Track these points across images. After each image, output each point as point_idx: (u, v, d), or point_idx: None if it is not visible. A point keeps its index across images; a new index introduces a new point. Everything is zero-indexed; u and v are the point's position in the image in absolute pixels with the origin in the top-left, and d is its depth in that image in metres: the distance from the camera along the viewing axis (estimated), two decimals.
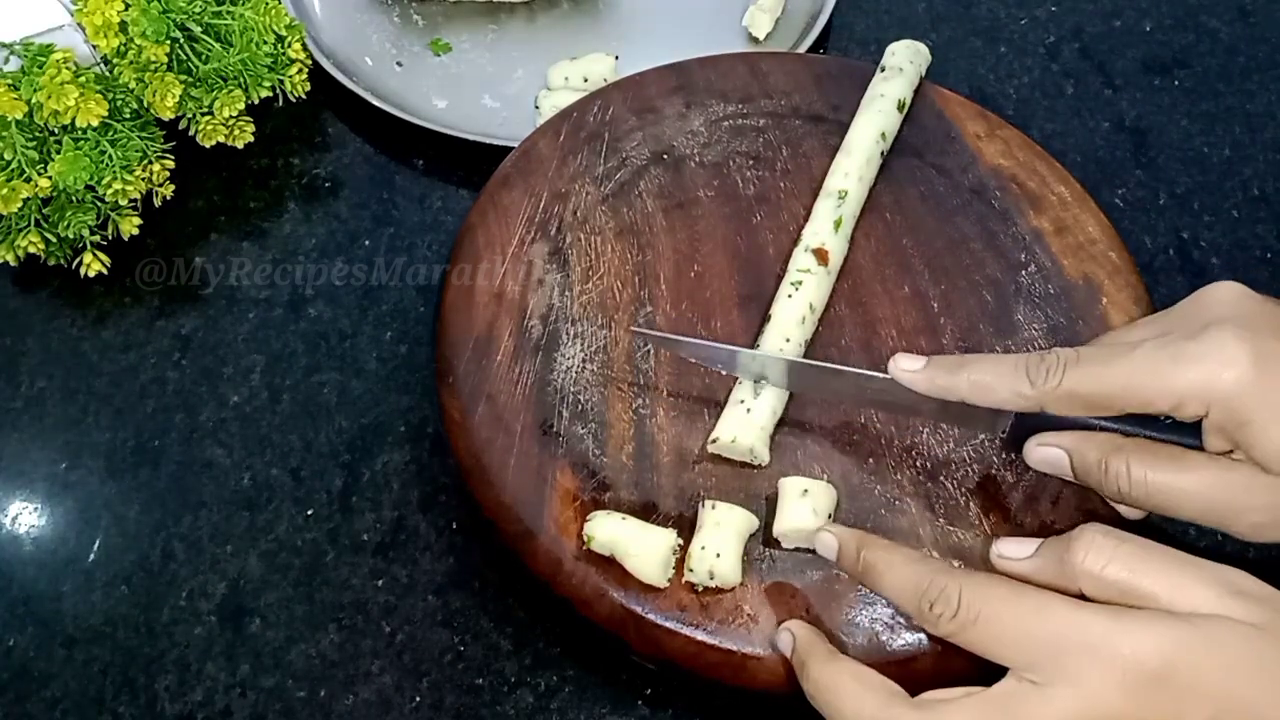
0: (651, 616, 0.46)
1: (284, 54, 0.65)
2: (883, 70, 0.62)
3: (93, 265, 0.60)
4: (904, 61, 0.62)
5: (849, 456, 0.50)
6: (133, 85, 0.60)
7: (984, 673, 0.39)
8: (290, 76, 0.65)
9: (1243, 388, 0.39)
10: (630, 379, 0.52)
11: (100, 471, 0.56)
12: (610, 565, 0.47)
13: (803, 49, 0.70)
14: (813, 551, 0.47)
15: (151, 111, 0.61)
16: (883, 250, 0.57)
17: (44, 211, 0.59)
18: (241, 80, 0.63)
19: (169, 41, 0.60)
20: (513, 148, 0.60)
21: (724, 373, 0.51)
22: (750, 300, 0.55)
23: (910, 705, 0.39)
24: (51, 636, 0.51)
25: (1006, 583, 0.40)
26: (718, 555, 0.46)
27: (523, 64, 0.71)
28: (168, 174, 0.62)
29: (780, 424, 0.51)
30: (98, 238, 0.60)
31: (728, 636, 0.46)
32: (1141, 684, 0.36)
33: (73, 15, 0.59)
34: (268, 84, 0.64)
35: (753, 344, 0.52)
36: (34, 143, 0.58)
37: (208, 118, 0.63)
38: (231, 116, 0.63)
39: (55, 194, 0.59)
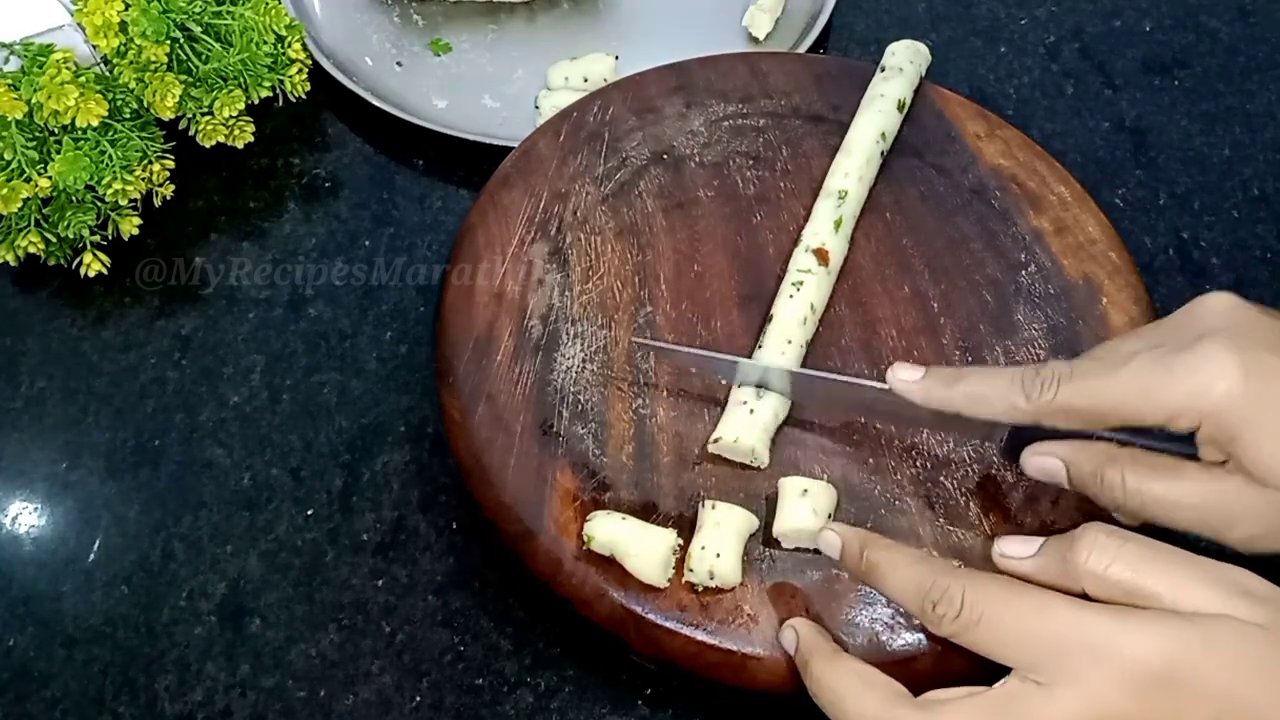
0: (651, 616, 0.46)
1: (284, 54, 0.65)
2: (883, 70, 0.62)
3: (93, 265, 0.60)
4: (904, 61, 0.62)
5: (849, 456, 0.50)
6: (133, 85, 0.60)
7: (984, 673, 0.39)
8: (290, 76, 0.65)
9: (1233, 401, 0.40)
10: (630, 379, 0.52)
11: (100, 471, 0.56)
12: (610, 565, 0.47)
13: (803, 49, 0.70)
14: (812, 551, 0.47)
15: (151, 111, 0.61)
16: (883, 250, 0.57)
17: (44, 211, 0.59)
18: (241, 80, 0.63)
19: (169, 41, 0.60)
20: (513, 148, 0.60)
21: (724, 382, 0.51)
22: (750, 300, 0.55)
23: (913, 705, 0.39)
24: (51, 636, 0.51)
25: (1009, 583, 0.40)
26: (718, 555, 0.46)
27: (523, 64, 0.71)
28: (168, 174, 0.62)
29: (781, 424, 0.51)
30: (98, 238, 0.60)
31: (728, 636, 0.46)
32: (1144, 684, 0.36)
33: (73, 15, 0.59)
34: (268, 84, 0.64)
35: (754, 344, 0.52)
36: (34, 143, 0.58)
37: (208, 118, 0.63)
38: (231, 116, 0.63)
39: (55, 194, 0.59)
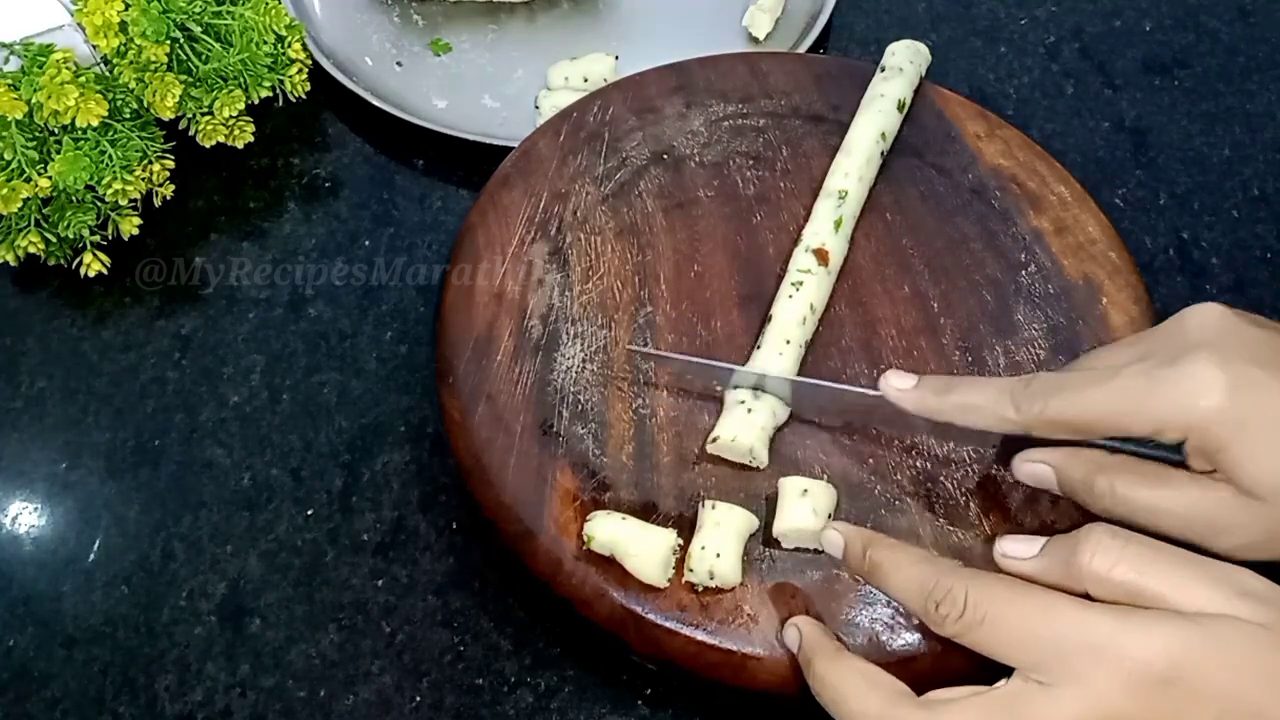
0: (651, 616, 0.46)
1: (284, 54, 0.65)
2: (883, 70, 0.62)
3: (93, 265, 0.60)
4: (904, 61, 0.62)
5: (849, 456, 0.50)
6: (133, 85, 0.60)
7: (984, 674, 0.39)
8: (290, 76, 0.65)
9: (1219, 415, 0.40)
10: (630, 379, 0.52)
11: (100, 471, 0.56)
12: (610, 565, 0.47)
13: (803, 49, 0.70)
14: (812, 551, 0.47)
15: (151, 111, 0.61)
16: (883, 250, 0.57)
17: (44, 211, 0.59)
18: (241, 80, 0.63)
19: (169, 41, 0.60)
20: (513, 148, 0.60)
21: (719, 389, 0.51)
22: (750, 300, 0.55)
23: (915, 704, 0.39)
24: (51, 636, 0.51)
25: (1012, 583, 0.40)
26: (718, 555, 0.46)
27: (523, 64, 0.71)
28: (168, 174, 0.62)
29: (780, 425, 0.51)
30: (98, 238, 0.60)
31: (728, 636, 0.46)
32: (1147, 685, 0.36)
33: (73, 15, 0.59)
34: (268, 84, 0.64)
35: (754, 344, 0.52)
36: (34, 143, 0.58)
37: (208, 118, 0.63)
38: (231, 116, 0.63)
39: (55, 194, 0.59)
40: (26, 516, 0.55)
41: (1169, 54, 0.75)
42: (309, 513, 0.55)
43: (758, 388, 0.50)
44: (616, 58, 0.67)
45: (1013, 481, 0.49)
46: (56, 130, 0.58)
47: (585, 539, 0.47)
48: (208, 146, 0.64)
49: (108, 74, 0.61)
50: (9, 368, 0.59)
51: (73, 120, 0.56)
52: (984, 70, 0.73)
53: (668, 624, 0.46)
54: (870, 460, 0.50)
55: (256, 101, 0.64)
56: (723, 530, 0.46)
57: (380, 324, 0.61)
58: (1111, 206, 0.64)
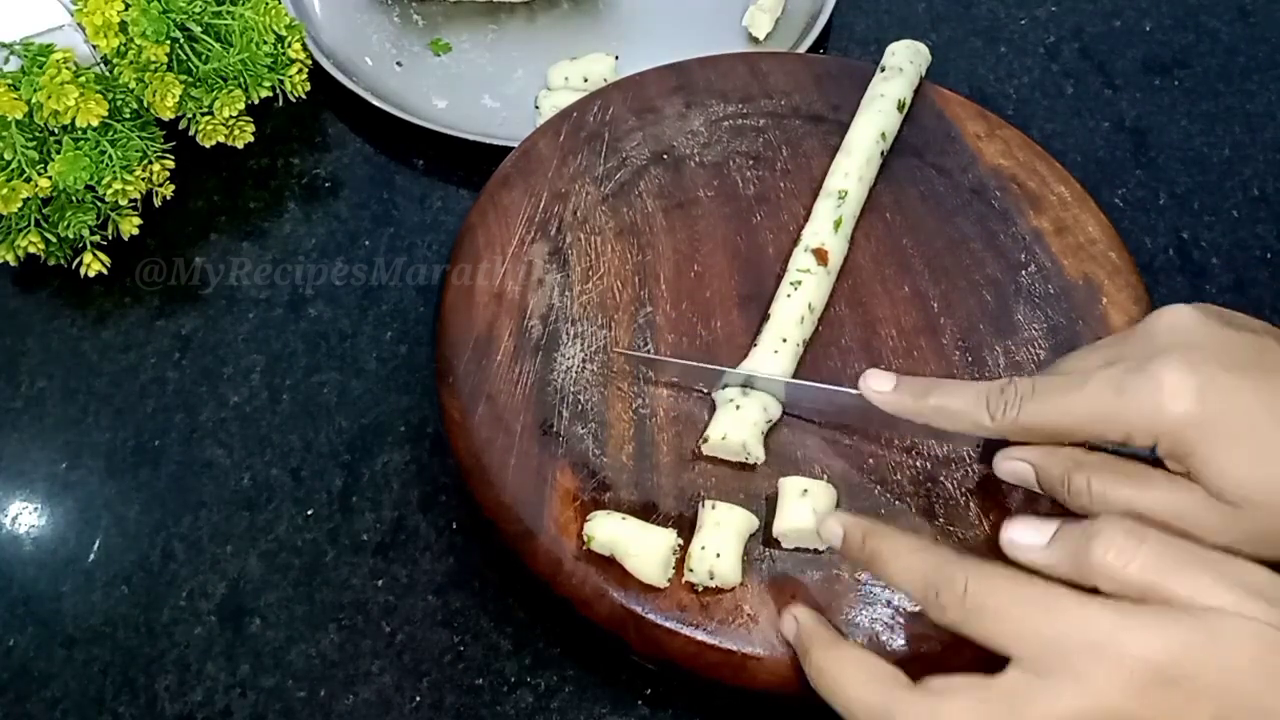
0: (651, 616, 0.46)
1: (284, 54, 0.65)
2: (883, 70, 0.62)
3: (93, 265, 0.60)
4: (904, 61, 0.62)
5: (848, 456, 0.50)
6: (133, 85, 0.60)
7: (985, 671, 0.39)
8: (290, 76, 0.65)
9: (1187, 421, 0.40)
10: (630, 379, 0.52)
11: (100, 471, 0.56)
12: (610, 565, 0.47)
13: (803, 49, 0.70)
14: (813, 551, 0.47)
15: (151, 111, 0.61)
16: (883, 250, 0.57)
17: (44, 211, 0.59)
18: (241, 80, 0.63)
19: (169, 41, 0.60)
20: (513, 148, 0.60)
21: (708, 391, 0.51)
22: (750, 300, 0.55)
23: (913, 691, 0.39)
24: (51, 636, 0.51)
25: (1014, 574, 0.39)
26: (718, 555, 0.46)
27: (523, 64, 0.71)
28: (168, 174, 0.62)
29: (779, 423, 0.51)
30: (98, 238, 0.60)
31: (728, 636, 0.46)
32: (1148, 683, 0.36)
33: (73, 15, 0.59)
34: (268, 84, 0.64)
35: (751, 342, 0.52)
36: (34, 143, 0.58)
37: (208, 118, 0.63)
38: (231, 116, 0.63)
39: (55, 194, 0.59)
40: (26, 516, 0.55)
41: (1169, 54, 0.75)
42: (309, 513, 0.55)
43: (747, 385, 0.50)
44: (616, 58, 0.67)
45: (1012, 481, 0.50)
46: (56, 130, 0.58)
47: (585, 539, 0.47)
48: (208, 146, 0.64)
49: (108, 74, 0.61)
50: (9, 368, 0.59)
51: (73, 120, 0.56)
52: (984, 70, 0.73)
53: (668, 624, 0.46)
54: (870, 460, 0.50)
55: (256, 101, 0.64)
56: (723, 530, 0.46)
57: (380, 324, 0.61)
58: (1111, 206, 0.64)
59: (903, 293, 0.56)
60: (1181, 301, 0.45)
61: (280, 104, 0.67)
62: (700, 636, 0.46)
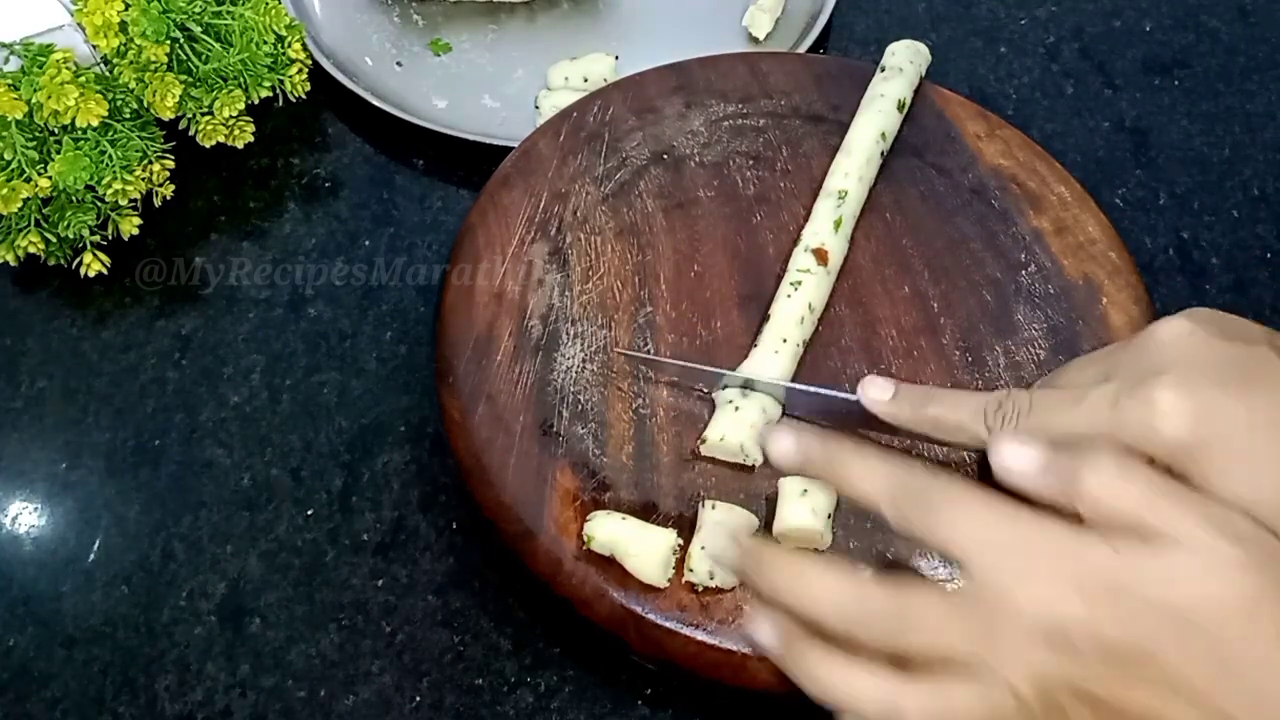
0: (651, 616, 0.46)
1: (284, 54, 0.65)
2: (883, 70, 0.62)
3: (93, 265, 0.60)
4: (904, 61, 0.62)
5: None
6: (133, 85, 0.60)
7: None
8: (290, 76, 0.65)
9: (1180, 443, 0.40)
10: (630, 379, 0.52)
11: (100, 471, 0.56)
12: (610, 565, 0.47)
13: (803, 49, 0.70)
14: (814, 551, 0.47)
15: (151, 111, 0.61)
16: (883, 250, 0.57)
17: (44, 211, 0.59)
18: (241, 80, 0.63)
19: (169, 41, 0.60)
20: (513, 148, 0.60)
21: (707, 391, 0.51)
22: (750, 300, 0.55)
23: (904, 680, 0.38)
24: (51, 636, 0.51)
25: (979, 486, 0.39)
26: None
27: (523, 64, 0.71)
28: (168, 174, 0.62)
29: (772, 420, 0.51)
30: (98, 238, 0.60)
31: (728, 636, 0.46)
32: (1110, 600, 0.36)
33: (73, 15, 0.59)
34: (268, 84, 0.64)
35: (751, 343, 0.52)
36: (34, 143, 0.58)
37: (208, 118, 0.63)
38: (231, 116, 0.63)
39: (55, 194, 0.59)
40: (26, 516, 0.55)
41: (1169, 54, 0.75)
42: (309, 513, 0.55)
43: (747, 387, 0.50)
44: (616, 58, 0.67)
45: None
46: (56, 130, 0.58)
47: (585, 539, 0.47)
48: (208, 146, 0.64)
49: (108, 74, 0.61)
50: (9, 368, 0.59)
51: (73, 120, 0.56)
52: (984, 70, 0.73)
53: (668, 624, 0.46)
54: None
55: (256, 101, 0.64)
56: (723, 530, 0.46)
57: (380, 324, 0.61)
58: (1111, 206, 0.64)
59: (903, 293, 0.56)
60: (1181, 301, 0.45)
61: (280, 104, 0.67)
62: (700, 636, 0.46)
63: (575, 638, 0.51)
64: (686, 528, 0.48)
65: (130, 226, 0.61)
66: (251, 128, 0.65)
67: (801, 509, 0.47)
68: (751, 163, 0.60)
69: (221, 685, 0.50)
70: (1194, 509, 0.37)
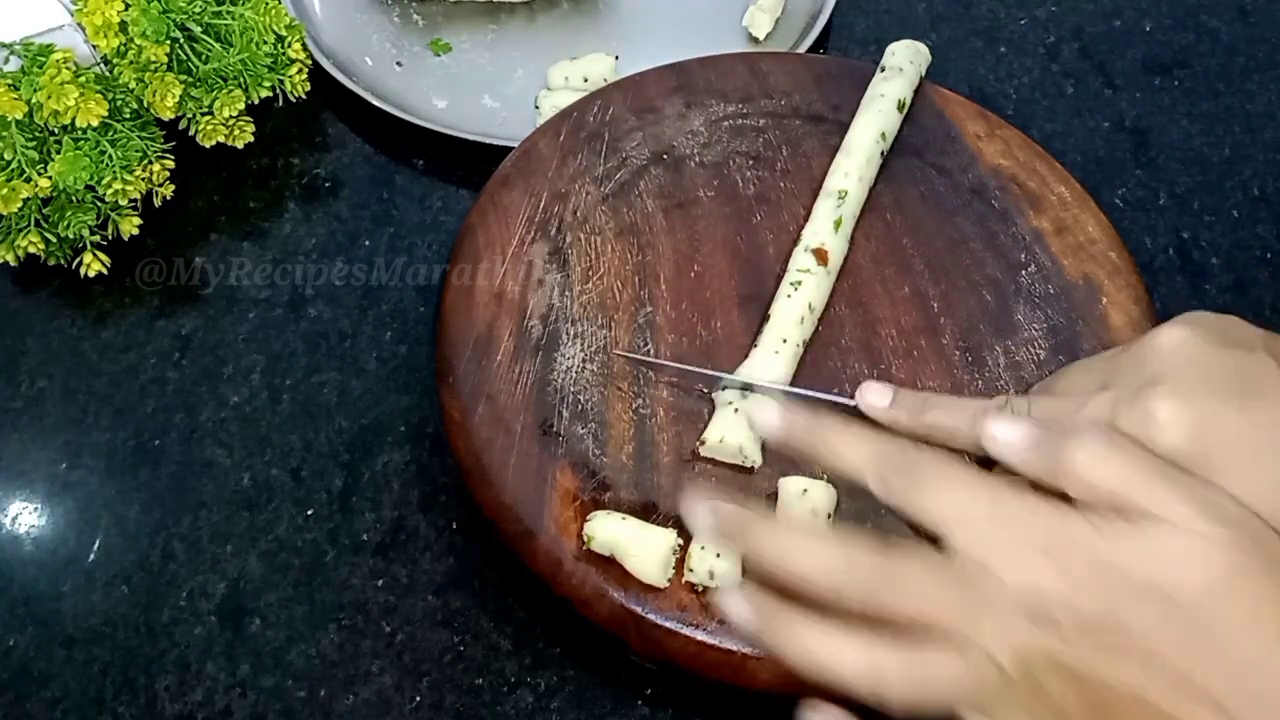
0: (651, 616, 0.46)
1: (284, 54, 0.65)
2: (883, 70, 0.62)
3: (93, 265, 0.60)
4: (904, 61, 0.62)
5: None
6: (133, 85, 0.60)
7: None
8: (290, 76, 0.65)
9: (1178, 453, 0.40)
10: (630, 379, 0.52)
11: (100, 471, 0.56)
12: (610, 565, 0.47)
13: (803, 49, 0.70)
14: None
15: (151, 111, 0.61)
16: (883, 250, 0.57)
17: (44, 211, 0.59)
18: (241, 80, 0.63)
19: (169, 41, 0.60)
20: (513, 148, 0.60)
21: (707, 391, 0.51)
22: (750, 300, 0.55)
23: (894, 648, 0.38)
24: (51, 636, 0.51)
25: (964, 462, 0.39)
26: (718, 555, 0.46)
27: (523, 64, 0.71)
28: (168, 174, 0.62)
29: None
30: (98, 238, 0.60)
31: (728, 636, 0.46)
32: (1086, 571, 0.36)
33: (73, 15, 0.59)
34: (268, 84, 0.64)
35: (751, 343, 0.52)
36: (34, 143, 0.58)
37: (208, 118, 0.63)
38: (231, 116, 0.63)
39: (55, 194, 0.59)
40: (26, 516, 0.55)
41: (1169, 54, 0.75)
42: (309, 513, 0.55)
43: (747, 388, 0.50)
44: (616, 58, 0.67)
45: None
46: (56, 130, 0.58)
47: (585, 539, 0.47)
48: (208, 146, 0.64)
49: (108, 74, 0.61)
50: (9, 368, 0.59)
51: (73, 120, 0.56)
52: (984, 70, 0.73)
53: (668, 624, 0.46)
54: None
55: (256, 101, 0.64)
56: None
57: (380, 324, 0.61)
58: (1111, 206, 0.64)
59: (903, 293, 0.56)
60: (1181, 301, 0.45)
61: (280, 104, 0.67)
62: (700, 636, 0.46)
63: (575, 638, 0.51)
64: (686, 528, 0.48)
65: (130, 226, 0.61)
66: (251, 128, 0.65)
67: (802, 509, 0.47)
68: (751, 163, 0.60)
69: (221, 685, 0.50)
70: (1180, 488, 0.37)
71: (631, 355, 0.53)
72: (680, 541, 0.47)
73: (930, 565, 0.38)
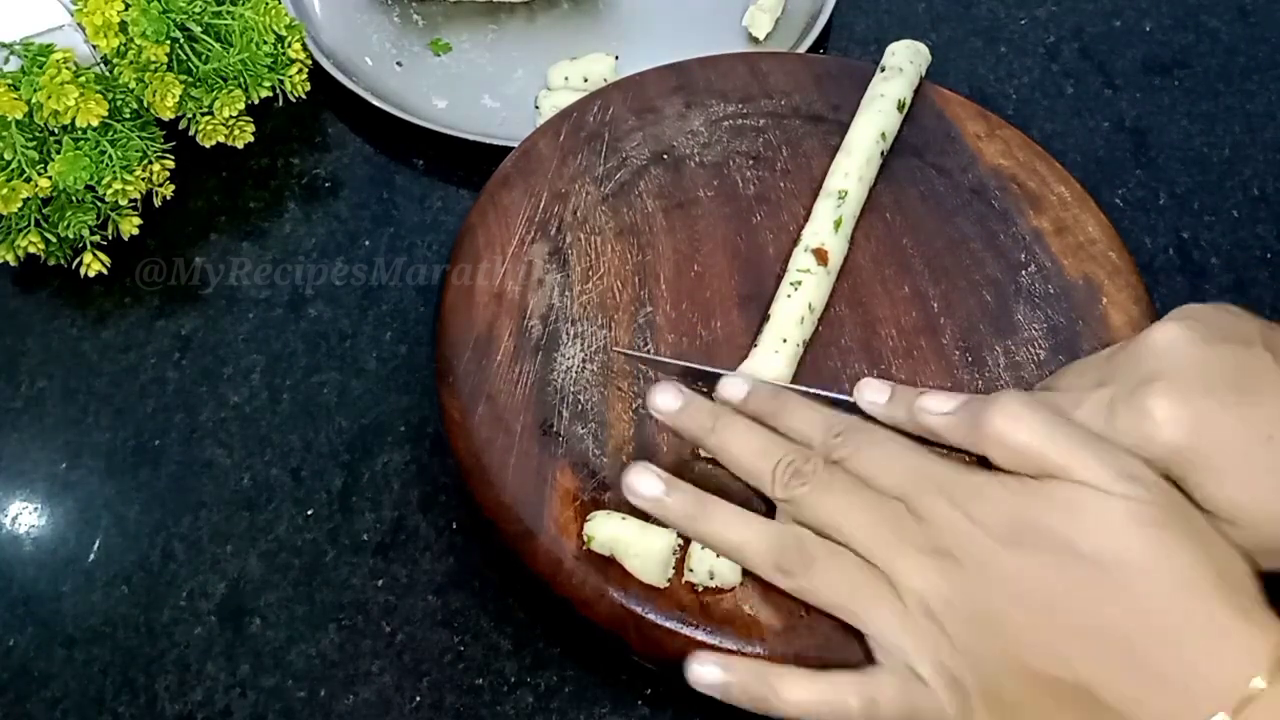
0: (651, 616, 0.46)
1: (284, 54, 0.65)
2: (883, 70, 0.62)
3: (93, 265, 0.60)
4: (904, 61, 0.62)
5: None
6: (133, 85, 0.60)
7: None
8: (290, 76, 0.65)
9: (1175, 451, 0.40)
10: (630, 379, 0.52)
11: (100, 471, 0.56)
12: (610, 565, 0.47)
13: (803, 49, 0.70)
14: None
15: (151, 111, 0.61)
16: (883, 250, 0.57)
17: (44, 211, 0.59)
18: (241, 80, 0.63)
19: (169, 41, 0.60)
20: (513, 148, 0.60)
21: (706, 390, 0.51)
22: (750, 300, 0.55)
23: (862, 677, 0.41)
24: (51, 636, 0.51)
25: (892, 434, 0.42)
26: (718, 555, 0.46)
27: (523, 64, 0.71)
28: (168, 174, 0.62)
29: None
30: (98, 238, 0.60)
31: (728, 636, 0.46)
32: (1014, 531, 0.38)
33: (73, 15, 0.59)
34: (268, 84, 0.64)
35: (751, 343, 0.52)
36: (34, 143, 0.58)
37: (208, 118, 0.63)
38: (231, 116, 0.63)
39: (55, 194, 0.59)
40: (26, 516, 0.55)
41: (1169, 54, 0.75)
42: (309, 513, 0.55)
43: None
44: (616, 58, 0.67)
45: None
46: (56, 130, 0.58)
47: (585, 539, 0.47)
48: (208, 146, 0.64)
49: (108, 74, 0.61)
50: (9, 368, 0.59)
51: (73, 120, 0.56)
52: (984, 70, 0.73)
53: (668, 624, 0.46)
54: None
55: (256, 101, 0.64)
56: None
57: (380, 324, 0.61)
58: (1111, 206, 0.64)
59: (903, 293, 0.56)
60: (1181, 302, 0.45)
61: (280, 104, 0.67)
62: (700, 636, 0.46)
63: (575, 638, 0.51)
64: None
65: (130, 226, 0.61)
66: (251, 128, 0.65)
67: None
68: (751, 163, 0.60)
69: (221, 685, 0.50)
70: (1093, 448, 0.39)
71: (632, 353, 0.53)
72: (680, 542, 0.47)
73: (856, 571, 0.41)
